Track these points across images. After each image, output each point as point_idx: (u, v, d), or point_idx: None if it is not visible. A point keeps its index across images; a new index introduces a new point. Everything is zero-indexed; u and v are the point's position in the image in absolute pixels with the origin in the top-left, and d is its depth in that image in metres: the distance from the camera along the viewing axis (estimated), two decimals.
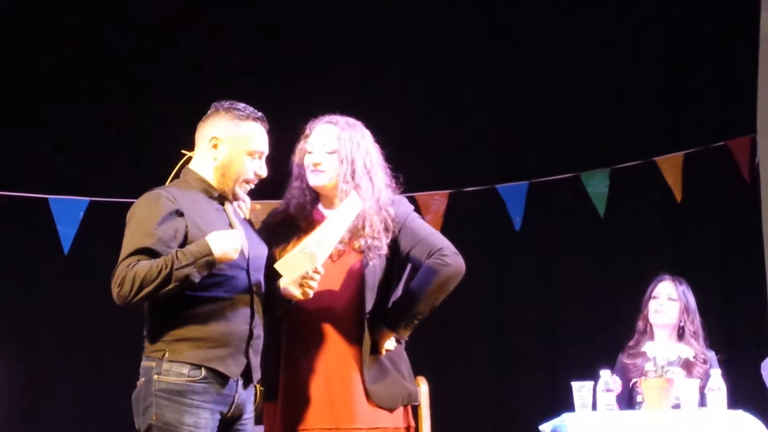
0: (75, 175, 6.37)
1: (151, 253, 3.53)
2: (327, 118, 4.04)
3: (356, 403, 3.90)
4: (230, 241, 3.55)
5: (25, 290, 6.34)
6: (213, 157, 3.72)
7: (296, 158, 4.05)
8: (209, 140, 3.72)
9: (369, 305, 3.92)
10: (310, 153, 3.99)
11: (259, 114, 3.77)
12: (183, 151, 3.79)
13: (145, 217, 3.58)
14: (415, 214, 4.07)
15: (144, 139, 6.31)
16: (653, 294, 5.47)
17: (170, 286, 3.48)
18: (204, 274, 3.52)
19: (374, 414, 3.91)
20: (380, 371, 3.93)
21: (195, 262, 3.48)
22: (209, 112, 3.77)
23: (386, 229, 3.95)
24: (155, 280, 3.47)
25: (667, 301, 5.44)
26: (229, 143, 3.71)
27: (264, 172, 3.77)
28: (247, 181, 3.75)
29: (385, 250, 3.94)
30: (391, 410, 3.94)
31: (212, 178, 3.74)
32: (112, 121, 6.43)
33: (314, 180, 3.98)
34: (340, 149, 3.96)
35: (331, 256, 3.87)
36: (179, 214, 3.60)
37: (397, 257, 4.00)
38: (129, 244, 3.57)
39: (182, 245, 3.58)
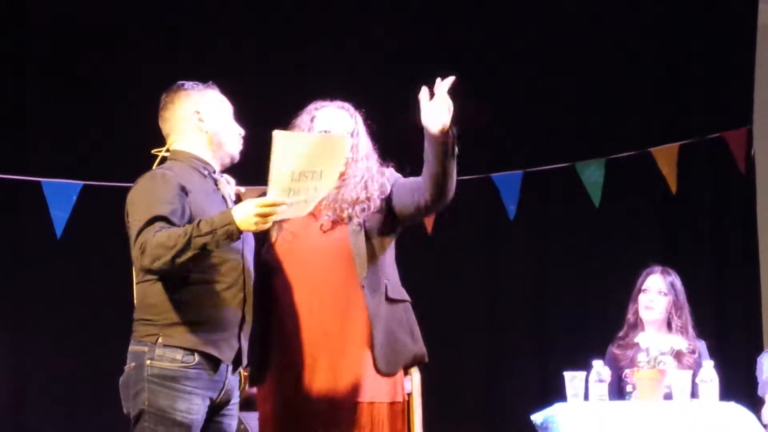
0: (68, 158, 6.34)
1: (169, 222, 3.50)
2: (336, 102, 4.09)
3: (356, 377, 3.90)
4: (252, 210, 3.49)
5: (17, 274, 6.33)
6: (203, 129, 3.74)
7: None
8: (193, 114, 3.74)
9: (363, 274, 3.92)
10: (326, 132, 4.01)
11: (210, 82, 3.84)
12: (153, 152, 3.79)
13: (157, 191, 3.56)
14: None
15: (138, 123, 6.25)
16: (643, 287, 5.48)
17: (188, 255, 3.44)
18: (223, 245, 3.48)
19: (372, 387, 3.90)
20: (387, 336, 3.94)
21: (215, 231, 3.43)
22: (168, 98, 3.78)
23: (381, 193, 3.98)
24: (173, 247, 3.43)
25: (657, 296, 5.44)
26: (210, 112, 3.75)
27: (243, 130, 3.84)
28: (237, 141, 3.79)
29: (375, 208, 3.95)
30: (394, 374, 3.94)
31: (207, 152, 3.75)
32: (106, 104, 6.41)
33: None
34: (356, 131, 4.04)
35: (321, 228, 3.91)
36: (185, 192, 3.60)
37: (390, 216, 4.00)
38: (144, 213, 3.52)
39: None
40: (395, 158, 4.14)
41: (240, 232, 3.46)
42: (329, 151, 3.52)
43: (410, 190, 3.96)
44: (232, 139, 3.78)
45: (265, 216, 3.44)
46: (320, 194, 3.55)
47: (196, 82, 3.80)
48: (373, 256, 3.95)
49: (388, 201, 4.00)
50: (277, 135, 3.40)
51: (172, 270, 3.49)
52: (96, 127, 6.40)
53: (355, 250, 3.92)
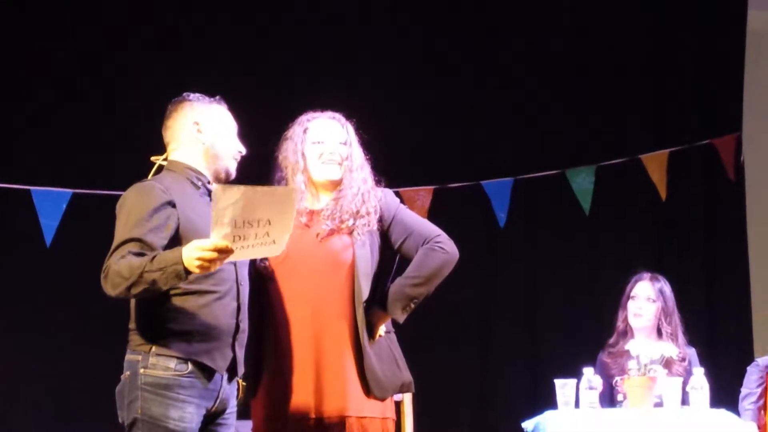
0: (58, 166, 6.33)
1: (143, 243, 3.51)
2: (328, 113, 4.11)
3: (347, 391, 3.89)
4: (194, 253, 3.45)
5: (6, 282, 6.30)
6: (201, 141, 3.77)
7: (293, 155, 4.05)
8: (192, 125, 3.76)
9: (366, 293, 3.93)
10: (320, 143, 4.03)
11: (217, 97, 3.88)
12: (152, 159, 3.81)
13: (138, 207, 3.57)
14: (403, 206, 4.13)
15: (129, 130, 6.27)
16: (631, 294, 5.48)
17: (140, 288, 3.44)
18: (173, 284, 3.46)
19: (363, 403, 3.90)
20: (377, 359, 3.93)
21: (165, 269, 3.42)
22: (173, 107, 3.82)
23: (375, 212, 4.01)
24: (128, 279, 3.44)
25: (646, 303, 5.44)
26: (210, 125, 3.78)
27: (244, 149, 3.84)
28: (235, 158, 3.80)
29: (373, 226, 3.96)
30: (383, 399, 3.94)
31: (202, 163, 3.77)
32: (96, 112, 6.39)
33: (331, 173, 4.01)
34: (349, 141, 4.06)
35: (318, 236, 3.93)
36: (172, 205, 3.60)
37: (387, 249, 4.03)
38: (121, 233, 3.55)
39: (174, 237, 3.57)
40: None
41: (187, 272, 3.42)
42: (275, 202, 3.49)
43: (414, 246, 4.00)
44: (228, 155, 3.80)
45: (205, 259, 3.37)
46: (281, 235, 3.50)
47: (203, 95, 3.84)
48: (373, 278, 3.97)
49: (386, 235, 4.03)
50: (216, 189, 3.40)
51: (130, 298, 3.52)
52: (86, 136, 6.38)
53: (358, 266, 3.93)
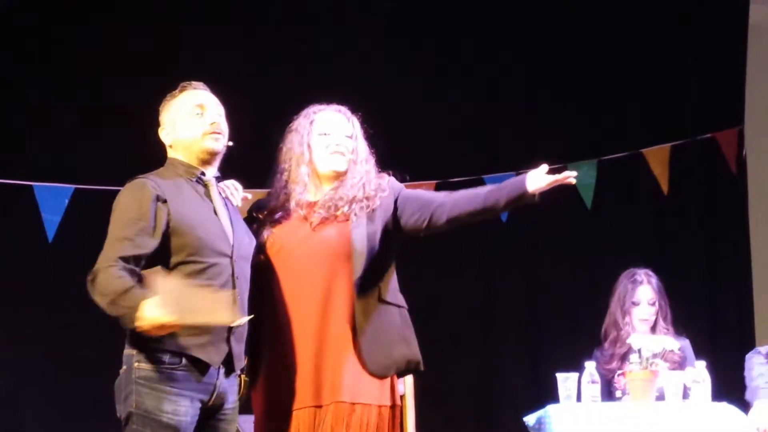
0: (60, 162, 6.34)
1: (133, 244, 3.55)
2: (334, 106, 4.13)
3: (342, 376, 3.89)
4: (159, 311, 3.46)
5: (8, 278, 6.31)
6: (168, 141, 3.82)
7: (299, 146, 4.06)
8: (160, 129, 3.84)
9: (359, 272, 3.92)
10: (326, 135, 4.04)
11: (185, 83, 3.87)
12: None
13: (129, 206, 3.61)
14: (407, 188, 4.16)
15: (131, 126, 6.27)
16: (634, 300, 5.43)
17: (112, 313, 3.50)
18: (131, 327, 3.49)
19: (360, 388, 3.89)
20: (376, 336, 3.94)
21: (131, 309, 3.45)
22: None
23: (380, 191, 4.04)
24: (107, 297, 3.50)
25: (649, 307, 5.42)
26: (168, 121, 3.82)
27: (214, 118, 3.79)
28: (206, 134, 3.76)
29: (375, 206, 3.98)
30: (383, 377, 3.93)
31: (183, 157, 3.80)
32: (98, 107, 6.40)
33: (337, 164, 4.02)
34: (355, 134, 4.08)
35: (311, 225, 3.95)
36: (162, 200, 3.62)
37: (395, 226, 4.04)
38: (113, 234, 3.60)
39: (165, 233, 3.59)
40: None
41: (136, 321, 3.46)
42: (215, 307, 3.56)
43: (420, 206, 4.01)
44: (195, 136, 3.78)
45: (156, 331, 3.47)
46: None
47: (171, 93, 3.87)
48: (371, 256, 3.96)
49: (394, 210, 4.03)
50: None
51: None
52: (88, 131, 6.39)
53: (355, 245, 3.93)
